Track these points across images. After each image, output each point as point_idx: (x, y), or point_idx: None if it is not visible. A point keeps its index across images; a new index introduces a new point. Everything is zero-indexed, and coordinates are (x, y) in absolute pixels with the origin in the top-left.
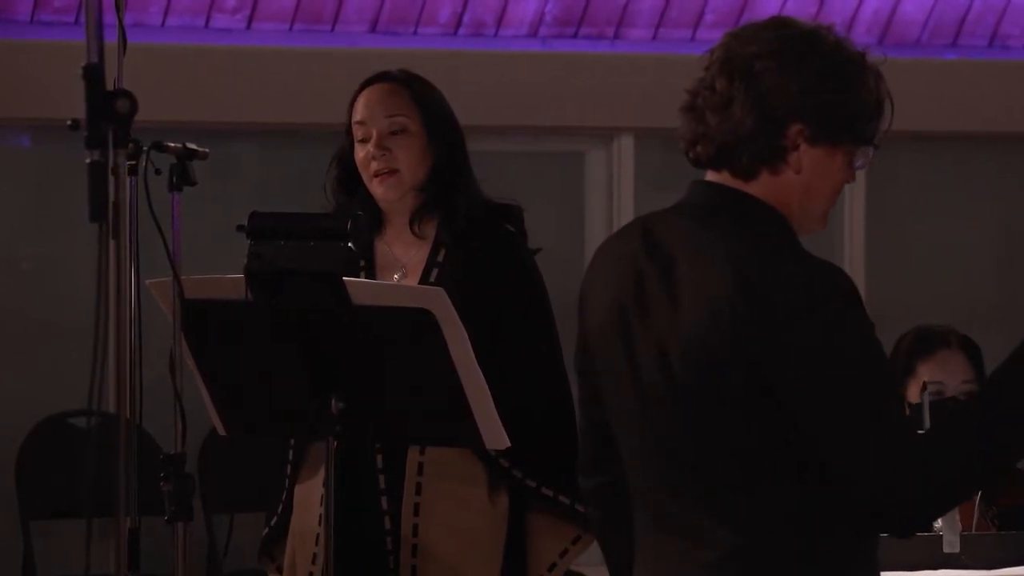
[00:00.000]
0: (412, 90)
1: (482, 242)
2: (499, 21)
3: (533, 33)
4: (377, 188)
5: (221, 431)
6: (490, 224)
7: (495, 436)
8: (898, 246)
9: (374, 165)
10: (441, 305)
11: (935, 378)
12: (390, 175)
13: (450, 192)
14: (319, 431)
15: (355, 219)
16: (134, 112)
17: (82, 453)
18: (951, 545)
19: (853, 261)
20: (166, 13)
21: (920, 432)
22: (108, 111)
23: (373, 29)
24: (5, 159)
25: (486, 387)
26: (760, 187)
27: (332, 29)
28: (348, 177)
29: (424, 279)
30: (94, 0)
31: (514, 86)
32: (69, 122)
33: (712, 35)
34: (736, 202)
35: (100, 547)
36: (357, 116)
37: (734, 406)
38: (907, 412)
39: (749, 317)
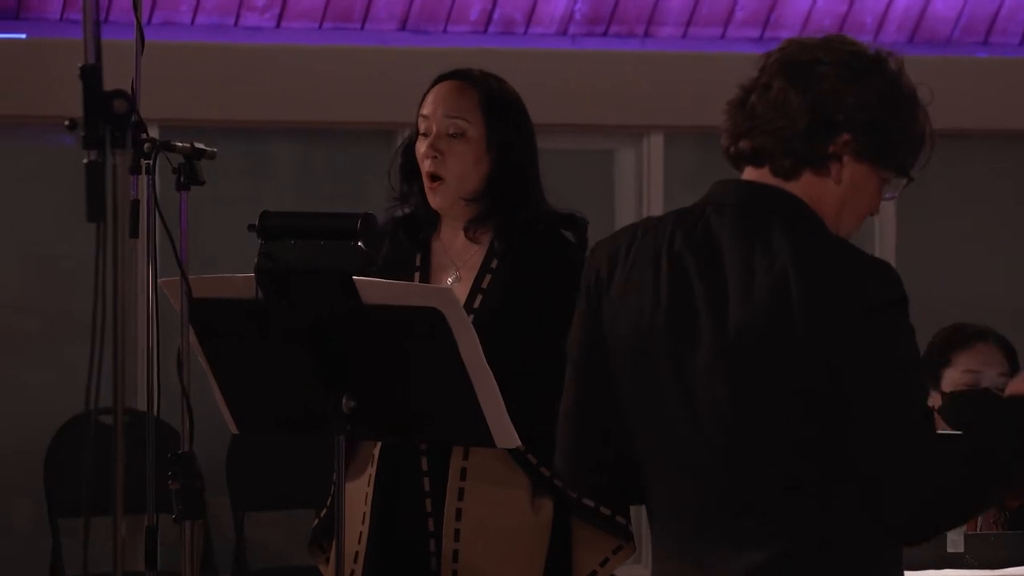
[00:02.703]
0: (482, 93)
1: (537, 247)
2: (529, 19)
3: (563, 31)
4: (428, 192)
5: (233, 430)
6: (548, 231)
7: (505, 435)
8: (929, 244)
9: (426, 164)
10: (450, 304)
11: (971, 367)
12: (438, 183)
13: (508, 201)
14: (331, 430)
15: (366, 218)
16: (131, 112)
17: (109, 451)
18: (955, 545)
19: (883, 259)
20: (195, 12)
21: (947, 442)
22: (106, 111)
23: (403, 27)
24: (46, 158)
25: (496, 386)
26: (800, 189)
27: (362, 27)
28: (412, 167)
29: (476, 284)
30: (91, 4)
31: (543, 84)
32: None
33: (742, 33)
34: (781, 200)
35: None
36: (424, 109)
37: (791, 399)
38: (941, 401)
39: (808, 311)
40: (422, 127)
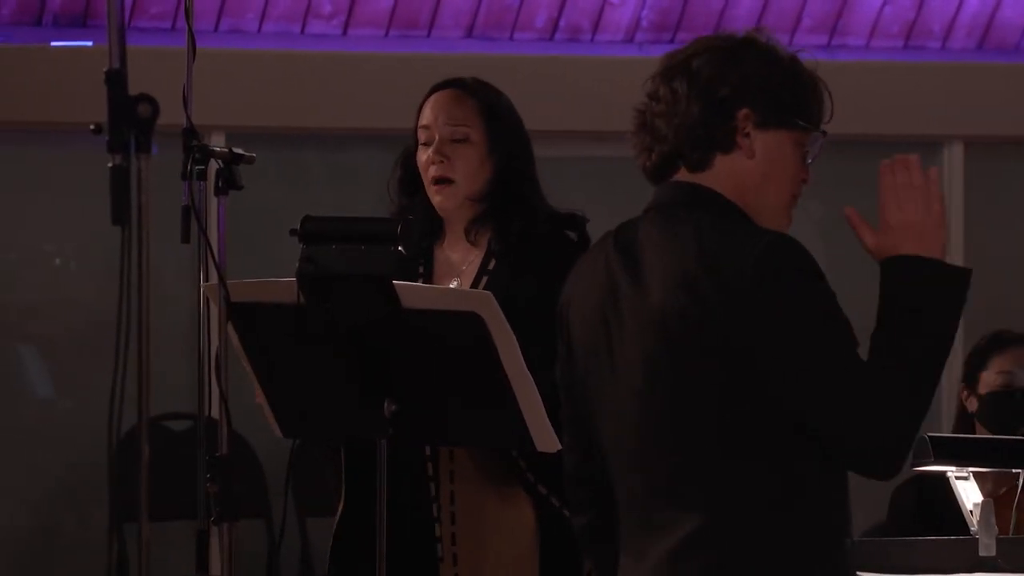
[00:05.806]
0: (479, 99)
1: (537, 248)
2: (595, 26)
3: (629, 38)
4: (434, 196)
5: (277, 433)
6: (549, 232)
7: (546, 438)
8: (997, 253)
9: (432, 171)
10: (489, 309)
11: (1004, 368)
12: (446, 185)
13: (508, 204)
14: (372, 434)
15: (406, 223)
16: (155, 116)
17: (176, 456)
18: (987, 549)
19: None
20: (262, 19)
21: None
22: (130, 116)
23: (469, 34)
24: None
25: (536, 389)
26: (716, 177)
27: (428, 35)
28: (411, 179)
29: (473, 287)
30: (116, 8)
31: (610, 92)
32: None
33: (809, 40)
34: (691, 194)
35: (180, 550)
36: (423, 120)
37: (704, 381)
38: (977, 406)
39: (711, 288)
40: (423, 137)
